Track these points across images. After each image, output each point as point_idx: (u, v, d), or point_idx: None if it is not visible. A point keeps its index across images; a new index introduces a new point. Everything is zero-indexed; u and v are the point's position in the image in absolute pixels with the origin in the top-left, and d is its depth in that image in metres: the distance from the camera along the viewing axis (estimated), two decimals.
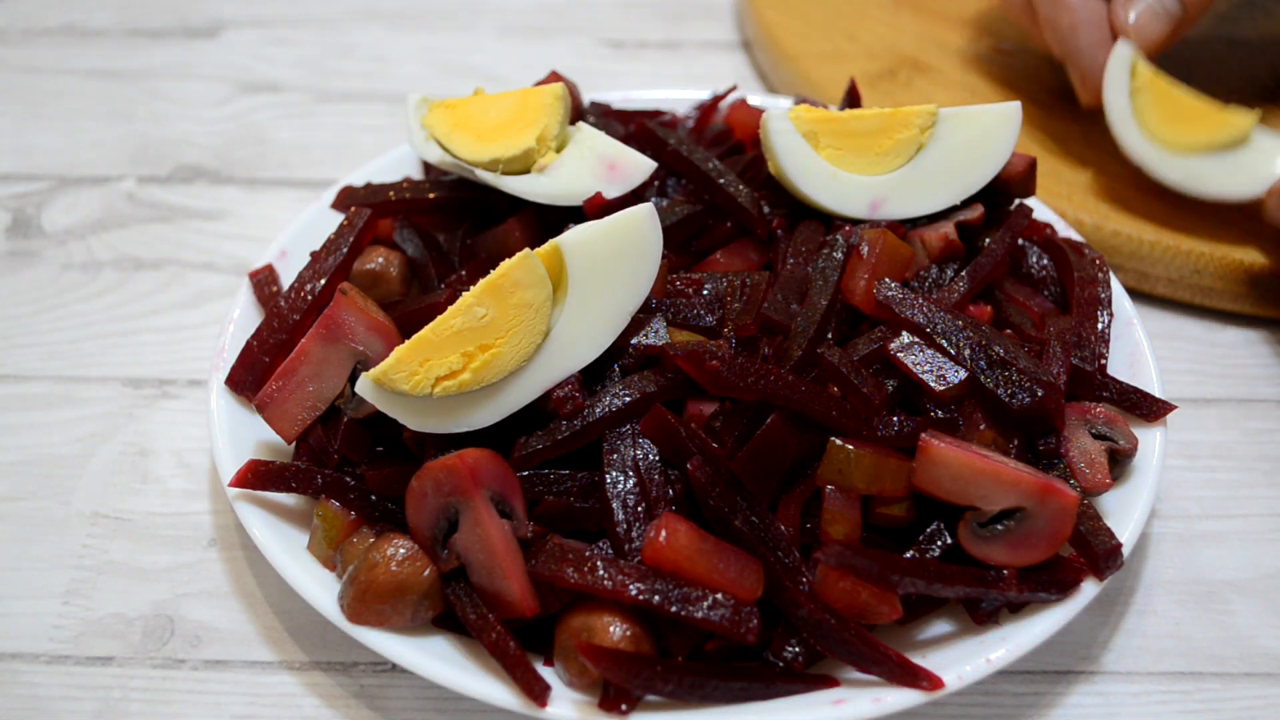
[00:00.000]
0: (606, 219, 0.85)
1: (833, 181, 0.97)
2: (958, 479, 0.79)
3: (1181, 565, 0.93)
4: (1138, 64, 1.12)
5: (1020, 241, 1.00)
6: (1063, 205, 1.15)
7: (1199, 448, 1.02)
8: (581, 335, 0.84)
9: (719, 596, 0.76)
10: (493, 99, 1.02)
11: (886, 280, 0.89)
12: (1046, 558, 0.79)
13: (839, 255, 0.92)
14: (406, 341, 0.81)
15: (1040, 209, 1.07)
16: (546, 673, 0.78)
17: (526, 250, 0.83)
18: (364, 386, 0.81)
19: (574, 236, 0.84)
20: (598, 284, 0.84)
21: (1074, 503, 0.78)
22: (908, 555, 0.81)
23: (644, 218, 0.85)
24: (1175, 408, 0.90)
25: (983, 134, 0.98)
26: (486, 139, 0.98)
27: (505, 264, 0.82)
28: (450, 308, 0.82)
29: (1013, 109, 0.98)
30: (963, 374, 0.84)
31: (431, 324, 0.81)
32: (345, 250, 0.97)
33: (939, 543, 0.82)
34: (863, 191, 0.97)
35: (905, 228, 0.96)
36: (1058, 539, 0.79)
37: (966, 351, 0.85)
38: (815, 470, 0.82)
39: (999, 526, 0.79)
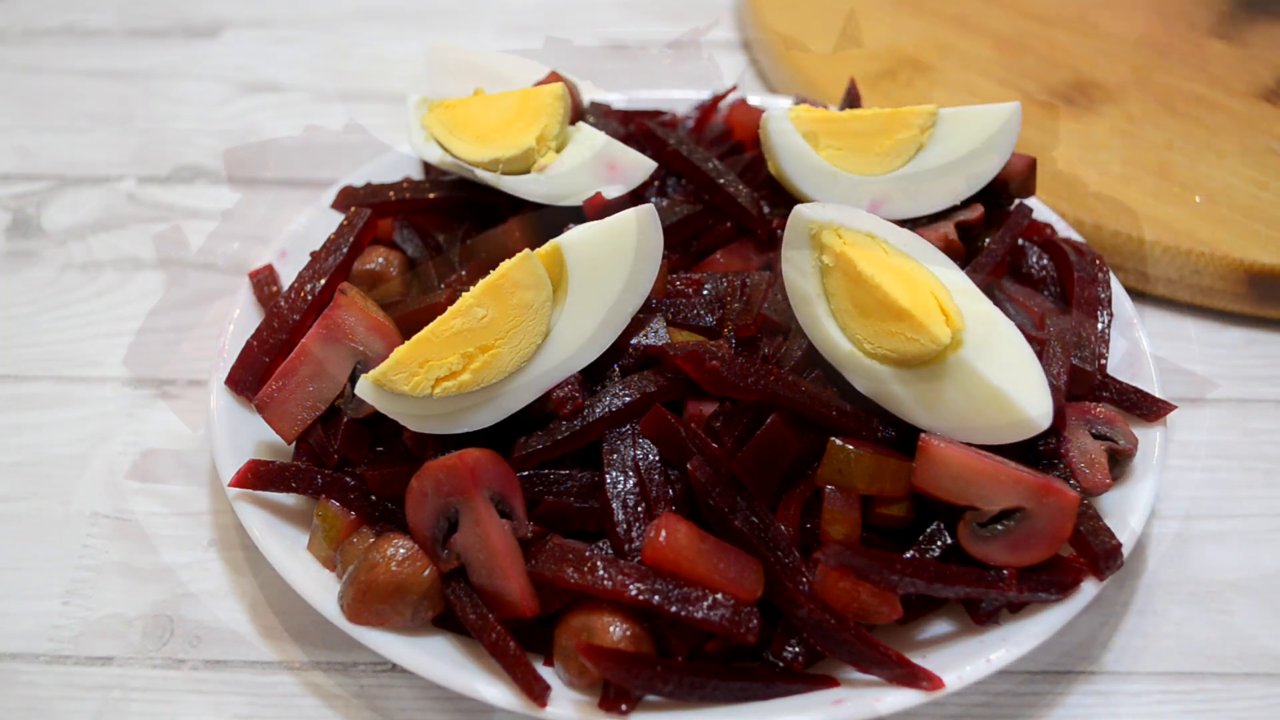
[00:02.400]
0: (607, 219, 0.85)
1: (833, 182, 0.97)
2: (958, 479, 0.79)
3: (1181, 565, 0.93)
4: (823, 233, 0.83)
5: (1020, 241, 1.00)
6: (1063, 205, 1.15)
7: (1199, 448, 1.02)
8: (581, 335, 0.84)
9: (719, 596, 0.76)
10: (493, 99, 1.02)
11: None
12: (1046, 558, 0.79)
13: None
14: (406, 342, 0.81)
15: (1040, 209, 1.07)
16: (546, 673, 0.78)
17: (526, 251, 0.83)
18: (364, 388, 0.81)
19: (574, 237, 0.84)
20: (598, 284, 0.84)
21: (1074, 503, 0.78)
22: (908, 555, 0.81)
23: (644, 218, 0.85)
24: (1175, 408, 0.91)
25: (983, 134, 0.98)
26: (486, 139, 0.98)
27: (505, 264, 0.82)
28: (450, 308, 0.82)
29: (1013, 109, 0.98)
30: None
31: (431, 324, 0.81)
32: (345, 250, 0.97)
33: (939, 543, 0.82)
34: (863, 191, 0.97)
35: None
36: (1058, 539, 0.79)
37: None
38: (815, 470, 0.82)
39: (999, 526, 0.79)
